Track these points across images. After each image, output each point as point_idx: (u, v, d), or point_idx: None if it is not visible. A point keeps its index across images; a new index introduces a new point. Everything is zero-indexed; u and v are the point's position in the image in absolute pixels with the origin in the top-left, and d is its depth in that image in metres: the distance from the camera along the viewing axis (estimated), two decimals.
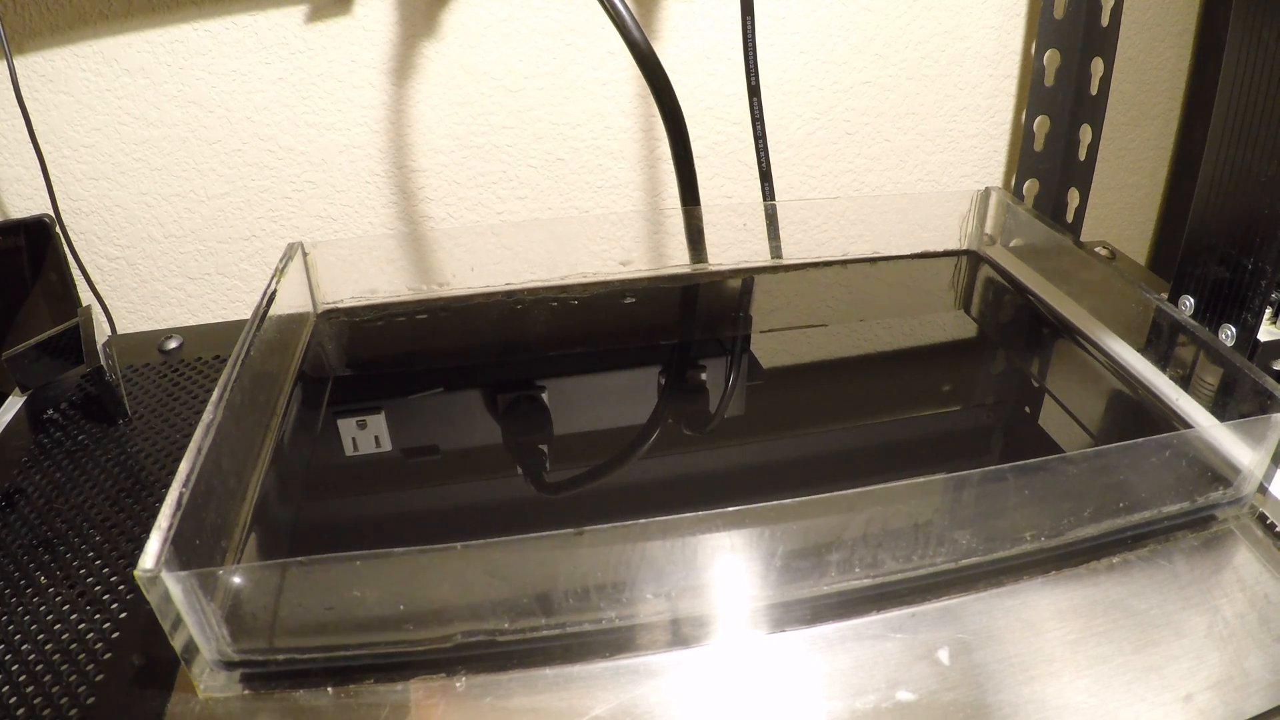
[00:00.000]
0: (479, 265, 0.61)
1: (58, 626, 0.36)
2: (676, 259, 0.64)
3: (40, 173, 0.58)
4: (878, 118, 0.73)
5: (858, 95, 0.72)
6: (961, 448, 0.49)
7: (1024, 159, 0.74)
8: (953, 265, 0.66)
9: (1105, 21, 0.65)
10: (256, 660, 0.33)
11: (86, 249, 0.66)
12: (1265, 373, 0.40)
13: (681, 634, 0.34)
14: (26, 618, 0.37)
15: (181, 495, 0.33)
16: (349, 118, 0.65)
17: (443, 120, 0.66)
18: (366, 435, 0.49)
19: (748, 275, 0.65)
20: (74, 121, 0.62)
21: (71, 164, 0.63)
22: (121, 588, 0.38)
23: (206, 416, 0.38)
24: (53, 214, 0.57)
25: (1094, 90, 0.67)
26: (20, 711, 0.32)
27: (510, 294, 0.62)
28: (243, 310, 0.71)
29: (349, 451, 0.48)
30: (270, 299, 0.49)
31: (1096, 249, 0.67)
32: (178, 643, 0.32)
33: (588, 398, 0.54)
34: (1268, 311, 0.47)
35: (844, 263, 0.65)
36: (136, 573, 0.30)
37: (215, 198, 0.66)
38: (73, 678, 0.34)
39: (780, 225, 0.65)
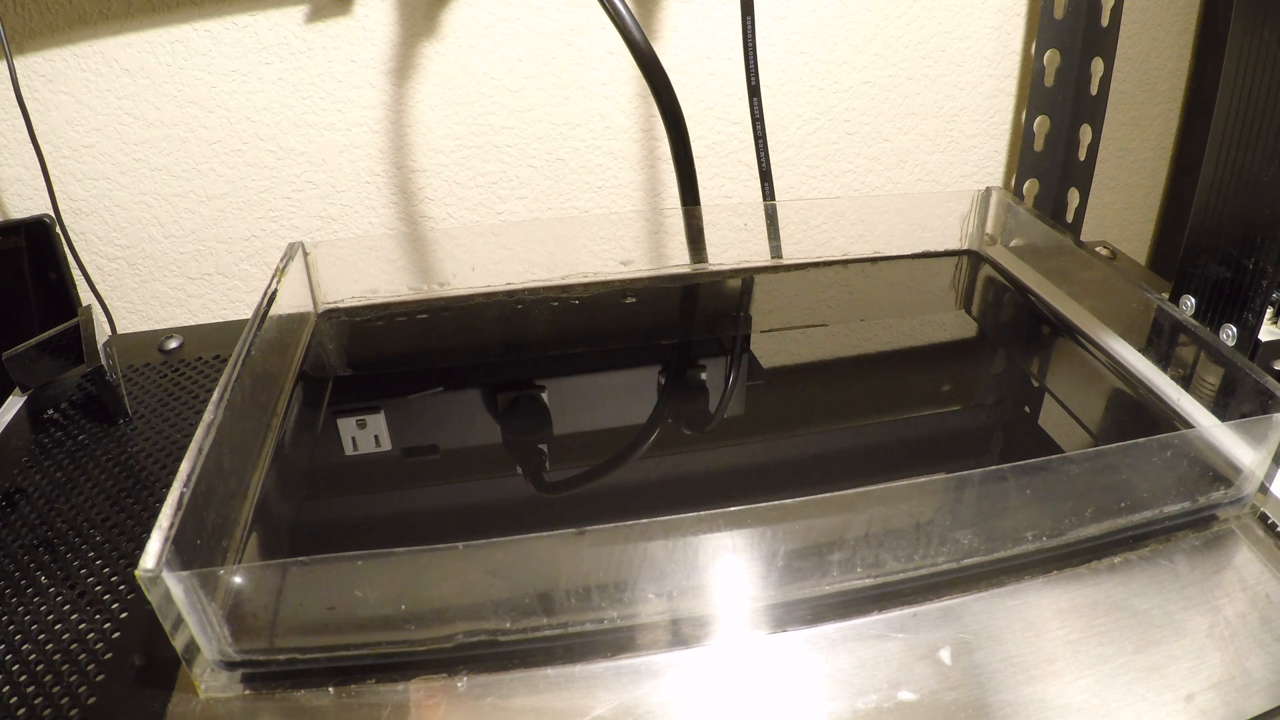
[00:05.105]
0: (479, 265, 0.61)
1: (58, 626, 0.36)
2: (676, 259, 0.64)
3: (40, 173, 0.58)
4: (878, 118, 0.73)
5: (858, 95, 0.72)
6: (962, 448, 0.49)
7: (1024, 159, 0.74)
8: (953, 265, 0.66)
9: (1105, 21, 0.65)
10: (258, 660, 0.33)
11: (86, 249, 0.66)
12: (1266, 372, 0.40)
13: (683, 634, 0.34)
14: (27, 618, 0.37)
15: (182, 495, 0.33)
16: (349, 118, 0.65)
17: (443, 120, 0.66)
18: (367, 435, 0.49)
19: (748, 275, 0.65)
20: (74, 121, 0.62)
21: (71, 164, 0.63)
22: (122, 588, 0.38)
23: (207, 416, 0.38)
24: (53, 214, 0.57)
25: (1094, 90, 0.67)
26: (20, 712, 0.32)
27: (511, 294, 0.62)
28: (243, 310, 0.71)
29: (349, 451, 0.48)
30: (271, 299, 0.49)
31: (1097, 249, 0.67)
32: (179, 643, 0.32)
33: (588, 398, 0.54)
34: (1269, 311, 0.47)
35: (844, 263, 0.65)
36: (137, 572, 0.30)
37: (215, 198, 0.66)
38: (73, 678, 0.34)
39: (780, 225, 0.65)
